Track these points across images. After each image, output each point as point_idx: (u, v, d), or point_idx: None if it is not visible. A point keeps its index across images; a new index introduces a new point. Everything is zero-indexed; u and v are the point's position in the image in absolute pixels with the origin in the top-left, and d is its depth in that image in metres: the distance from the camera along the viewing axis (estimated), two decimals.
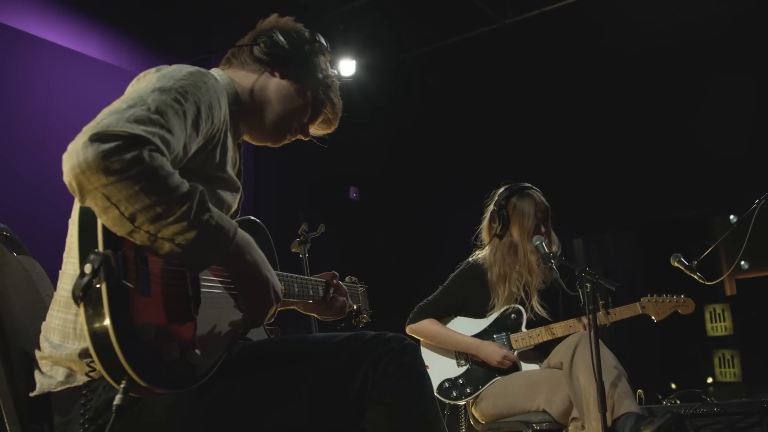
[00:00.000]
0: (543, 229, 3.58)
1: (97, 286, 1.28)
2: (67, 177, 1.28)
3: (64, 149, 1.30)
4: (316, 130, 2.08)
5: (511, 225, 3.64)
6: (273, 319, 1.67)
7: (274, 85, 1.91)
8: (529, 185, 3.73)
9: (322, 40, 1.99)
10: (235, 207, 1.84)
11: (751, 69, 5.99)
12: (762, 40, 5.84)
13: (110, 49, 5.01)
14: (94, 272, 1.28)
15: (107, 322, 1.27)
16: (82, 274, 1.29)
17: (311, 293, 2.00)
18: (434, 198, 7.26)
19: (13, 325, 1.61)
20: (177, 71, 1.57)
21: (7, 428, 1.55)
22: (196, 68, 1.64)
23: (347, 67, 6.20)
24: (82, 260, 1.31)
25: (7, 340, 1.58)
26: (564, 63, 6.66)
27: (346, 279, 2.28)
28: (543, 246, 3.34)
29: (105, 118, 1.31)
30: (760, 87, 5.89)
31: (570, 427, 3.10)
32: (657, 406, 3.46)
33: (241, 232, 1.48)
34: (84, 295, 1.29)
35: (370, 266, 6.62)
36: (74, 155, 1.26)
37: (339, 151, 5.89)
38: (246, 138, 1.97)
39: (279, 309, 2.15)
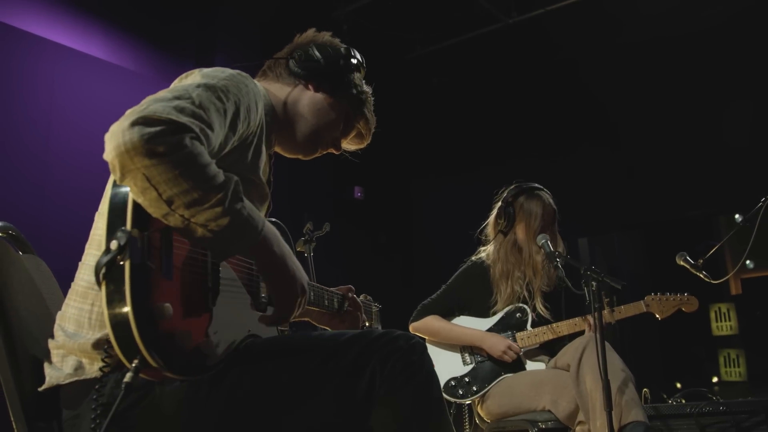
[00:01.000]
0: (548, 232, 3.57)
1: (121, 263, 1.31)
2: (110, 155, 1.31)
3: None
4: (348, 144, 2.11)
5: (517, 223, 3.65)
6: (297, 313, 1.68)
7: (308, 98, 1.95)
8: (540, 186, 3.72)
9: (358, 56, 2.03)
10: (262, 214, 1.86)
11: (756, 67, 5.98)
12: (766, 39, 5.83)
13: (114, 49, 5.01)
14: (120, 249, 1.31)
15: (127, 298, 1.29)
16: (108, 250, 1.32)
17: (326, 303, 2.03)
18: (438, 197, 7.26)
19: (20, 323, 1.61)
20: (220, 71, 1.62)
21: (14, 426, 1.56)
22: (237, 71, 1.68)
23: None
24: (109, 238, 1.34)
25: (14, 338, 1.58)
26: (568, 62, 6.65)
27: (361, 297, 2.29)
28: (548, 245, 3.34)
29: (150, 104, 1.36)
30: (765, 85, 5.87)
31: (576, 430, 3.09)
32: (662, 405, 3.45)
33: (269, 225, 1.53)
34: (107, 271, 1.31)
35: (374, 265, 6.63)
36: (119, 135, 1.30)
37: (344, 151, 5.87)
38: (278, 149, 2.00)
39: (294, 320, 2.17)
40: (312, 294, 1.94)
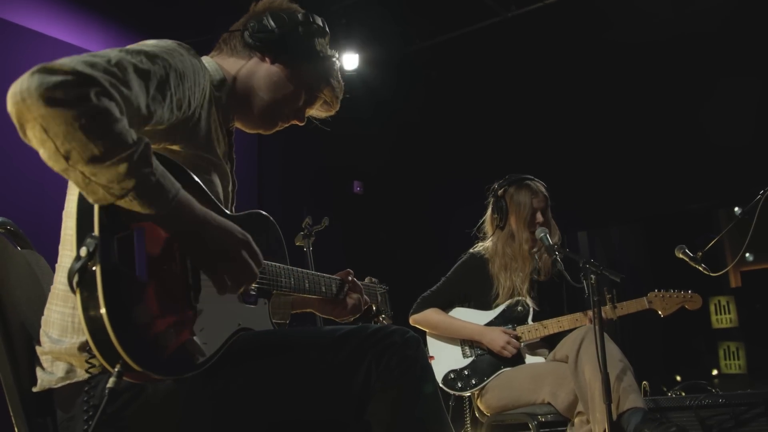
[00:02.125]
0: (542, 219, 3.59)
1: (93, 269, 1.28)
2: (9, 104, 1.24)
3: None
4: (317, 112, 2.02)
5: (509, 215, 3.66)
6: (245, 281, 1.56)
7: (264, 70, 1.86)
8: (529, 177, 3.73)
9: (318, 21, 1.92)
10: (223, 193, 1.77)
11: (755, 61, 5.96)
12: (766, 32, 5.81)
13: (113, 44, 4.99)
14: (90, 255, 1.28)
15: (101, 304, 1.27)
16: (78, 257, 1.29)
17: (323, 289, 1.97)
18: (438, 192, 7.25)
19: (18, 318, 1.61)
20: (154, 41, 1.56)
21: (13, 422, 1.56)
22: (178, 42, 1.61)
23: (350, 61, 6.19)
24: (79, 245, 1.31)
25: (12, 334, 1.58)
26: (568, 56, 6.64)
27: (366, 279, 2.25)
28: (547, 238, 3.35)
29: (60, 59, 1.28)
30: (764, 79, 5.86)
31: (575, 421, 3.10)
32: (662, 397, 3.46)
33: (184, 193, 1.40)
34: (80, 278, 1.29)
35: (374, 260, 6.61)
36: (18, 83, 1.22)
37: (342, 145, 5.85)
38: (238, 125, 1.93)
39: (296, 312, 2.12)
40: (307, 282, 1.90)
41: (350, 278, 2.07)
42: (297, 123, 1.98)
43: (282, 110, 1.91)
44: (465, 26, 6.57)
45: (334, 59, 1.97)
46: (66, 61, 1.27)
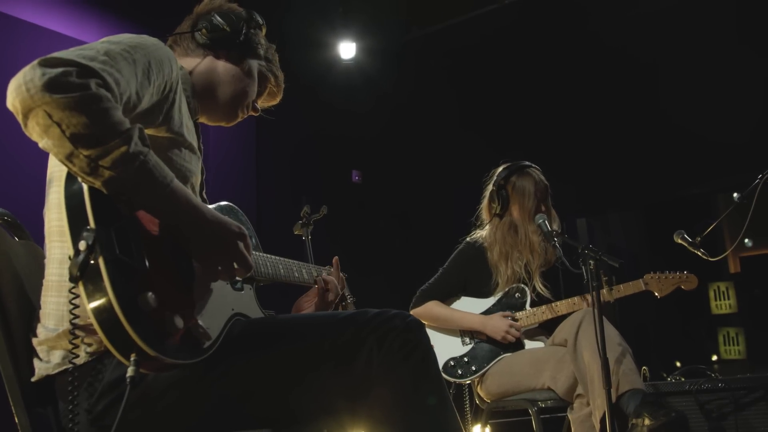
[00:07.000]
0: (543, 208, 3.59)
1: (92, 262, 1.29)
2: (10, 97, 1.30)
3: None
4: (262, 103, 2.13)
5: (511, 204, 3.65)
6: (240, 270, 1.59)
7: (221, 67, 1.95)
8: (528, 163, 3.72)
9: (258, 17, 2.03)
10: (200, 178, 1.85)
11: (753, 48, 5.95)
12: (765, 18, 5.79)
13: (110, 35, 4.99)
14: (89, 249, 1.29)
15: (110, 295, 1.28)
16: (77, 252, 1.29)
17: (296, 275, 2.04)
18: (437, 180, 7.25)
19: (16, 307, 1.61)
20: (126, 34, 1.61)
21: (13, 411, 1.56)
22: (148, 36, 1.67)
23: (347, 49, 6.18)
24: (75, 240, 1.32)
25: (11, 323, 1.58)
26: (565, 42, 6.61)
27: (326, 267, 2.30)
28: (546, 224, 3.35)
29: (55, 53, 1.34)
30: (763, 64, 5.85)
31: (575, 404, 3.11)
32: (662, 382, 3.47)
33: (178, 182, 1.46)
34: (82, 273, 1.29)
35: (373, 250, 6.63)
36: (20, 76, 1.29)
37: (341, 134, 5.83)
38: (202, 119, 2.01)
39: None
40: (281, 268, 1.96)
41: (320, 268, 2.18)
42: (253, 114, 2.08)
43: (242, 102, 2.00)
44: (463, 13, 6.54)
45: (274, 50, 2.10)
46: (63, 54, 1.33)
